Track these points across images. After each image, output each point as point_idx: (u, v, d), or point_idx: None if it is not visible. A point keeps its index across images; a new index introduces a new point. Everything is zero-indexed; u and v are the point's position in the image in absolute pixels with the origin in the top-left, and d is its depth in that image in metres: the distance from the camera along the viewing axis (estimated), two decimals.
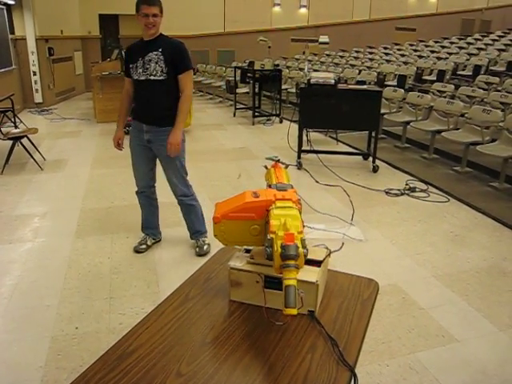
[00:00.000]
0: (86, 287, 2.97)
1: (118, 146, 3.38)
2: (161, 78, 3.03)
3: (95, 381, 1.10)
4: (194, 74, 9.89)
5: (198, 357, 1.18)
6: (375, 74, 9.41)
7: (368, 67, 10.96)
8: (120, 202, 4.46)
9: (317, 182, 4.99)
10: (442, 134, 5.76)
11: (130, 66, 3.09)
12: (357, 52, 14.18)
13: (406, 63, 11.10)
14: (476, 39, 14.79)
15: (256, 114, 8.73)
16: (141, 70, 3.04)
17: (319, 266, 1.37)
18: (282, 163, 1.64)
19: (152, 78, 3.03)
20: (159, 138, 3.14)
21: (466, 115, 5.85)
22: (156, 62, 3.00)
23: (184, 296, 1.44)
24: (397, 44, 15.39)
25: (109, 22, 13.28)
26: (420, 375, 2.23)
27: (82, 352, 2.38)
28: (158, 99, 3.10)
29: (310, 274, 1.32)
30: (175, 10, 13.26)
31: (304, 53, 6.88)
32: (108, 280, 3.05)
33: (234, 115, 9.49)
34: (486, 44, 13.36)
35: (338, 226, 3.65)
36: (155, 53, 3.01)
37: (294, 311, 1.07)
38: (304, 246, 1.15)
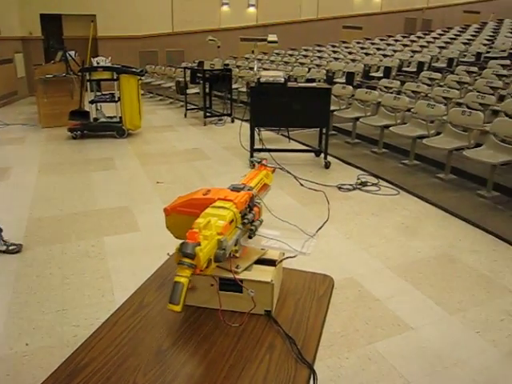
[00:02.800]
0: (36, 300, 2.85)
1: None
2: None
3: None
4: (142, 76, 9.71)
5: (155, 366, 1.15)
6: (324, 71, 9.58)
7: (317, 65, 11.13)
8: (70, 210, 4.31)
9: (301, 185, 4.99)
10: (390, 128, 5.93)
11: None
12: (306, 50, 14.37)
13: (353, 61, 11.36)
14: (418, 37, 15.35)
15: (207, 114, 8.68)
16: None
17: (274, 266, 1.36)
18: (270, 167, 1.61)
19: None
20: None
21: (411, 110, 6.04)
22: None
23: (138, 304, 1.40)
24: (344, 42, 15.72)
25: (51, 23, 12.84)
26: (378, 364, 2.29)
27: (34, 370, 2.28)
28: None
29: (264, 273, 1.31)
30: (122, 10, 13.00)
31: (253, 52, 6.88)
32: (60, 291, 2.94)
33: (185, 116, 9.40)
34: (427, 42, 13.88)
35: (294, 237, 3.66)
36: None
37: (177, 308, 1.06)
38: (222, 248, 1.12)
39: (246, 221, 1.30)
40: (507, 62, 9.37)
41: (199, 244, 1.07)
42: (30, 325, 2.61)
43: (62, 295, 2.89)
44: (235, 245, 1.27)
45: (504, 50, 11.26)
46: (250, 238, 1.32)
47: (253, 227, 1.31)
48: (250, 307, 1.31)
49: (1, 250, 3.40)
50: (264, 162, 1.60)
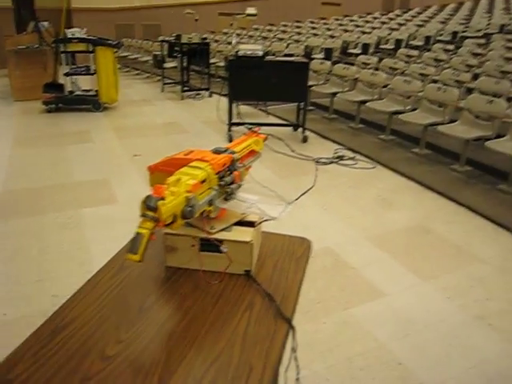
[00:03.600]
0: (14, 272, 2.83)
1: None
2: None
3: (29, 356, 1.07)
4: (119, 49, 9.50)
5: (137, 322, 1.17)
6: (302, 47, 9.54)
7: (295, 41, 11.07)
8: (46, 182, 4.25)
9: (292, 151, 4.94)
10: (367, 104, 5.98)
11: None
12: (284, 26, 14.25)
13: (332, 37, 11.32)
14: (397, 15, 15.35)
15: (185, 88, 8.58)
16: None
17: (253, 227, 1.39)
18: (261, 134, 1.59)
19: None
20: None
21: (388, 86, 6.09)
22: None
23: (119, 265, 1.41)
24: (323, 19, 15.62)
25: None
26: (354, 329, 2.36)
27: (13, 339, 2.23)
28: None
29: (244, 234, 1.34)
30: None
31: (232, 25, 6.80)
32: (37, 262, 2.93)
33: (163, 90, 9.27)
34: (405, 20, 13.91)
35: (271, 203, 3.70)
36: None
37: (136, 257, 1.10)
38: (189, 205, 1.15)
39: (222, 183, 1.31)
40: (482, 41, 9.49)
41: (163, 198, 1.11)
42: (7, 295, 2.60)
43: (40, 266, 2.88)
44: (210, 205, 1.29)
45: (479, 30, 11.38)
46: (225, 199, 1.34)
47: (228, 189, 1.32)
48: (231, 267, 1.34)
49: None
50: (256, 129, 1.58)
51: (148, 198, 1.11)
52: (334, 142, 5.70)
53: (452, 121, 5.12)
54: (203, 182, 1.25)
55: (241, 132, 5.75)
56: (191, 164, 1.30)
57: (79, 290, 1.31)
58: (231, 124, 5.74)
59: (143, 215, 1.12)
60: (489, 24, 12.04)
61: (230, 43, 10.21)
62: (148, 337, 1.12)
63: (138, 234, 1.11)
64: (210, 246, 1.32)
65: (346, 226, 3.52)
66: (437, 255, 3.15)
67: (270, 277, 1.38)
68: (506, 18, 12.77)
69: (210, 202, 1.29)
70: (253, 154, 1.52)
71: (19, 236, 3.27)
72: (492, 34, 10.59)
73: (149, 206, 1.11)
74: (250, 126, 1.63)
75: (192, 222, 1.38)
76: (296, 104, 6.15)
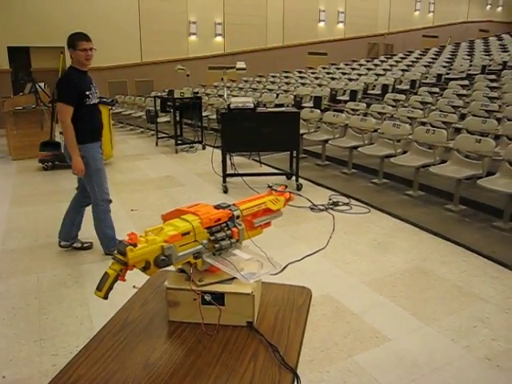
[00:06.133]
0: (13, 332, 2.80)
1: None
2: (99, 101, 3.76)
3: None
4: (114, 106, 9.73)
5: (142, 379, 1.18)
6: (292, 96, 9.81)
7: (285, 91, 11.40)
8: (44, 240, 4.26)
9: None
10: (359, 149, 6.11)
11: (88, 92, 3.51)
12: (273, 77, 14.70)
13: (320, 85, 11.69)
14: (382, 61, 15.91)
15: (178, 142, 8.75)
16: (95, 95, 3.60)
17: None
18: (280, 192, 1.57)
19: (97, 102, 3.68)
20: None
21: (378, 130, 6.25)
22: (97, 88, 3.68)
23: (122, 322, 1.42)
24: (310, 68, 16.15)
25: (19, 55, 12.78)
26: (359, 377, 2.33)
27: None
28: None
29: (245, 286, 1.36)
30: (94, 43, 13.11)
31: (223, 79, 7.03)
32: (37, 321, 2.90)
33: (157, 145, 9.44)
34: (390, 65, 14.41)
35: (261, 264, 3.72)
36: (93, 81, 3.65)
37: (100, 294, 1.21)
38: (164, 254, 1.23)
39: (213, 238, 1.35)
40: (466, 82, 9.82)
41: (135, 245, 1.19)
42: (6, 357, 2.56)
43: (40, 325, 2.85)
44: (196, 258, 1.33)
45: (463, 71, 11.80)
46: (213, 255, 1.37)
47: (217, 245, 1.35)
48: (233, 319, 1.36)
49: None
50: (280, 188, 1.58)
51: (120, 243, 1.20)
52: (328, 188, 5.78)
53: (443, 161, 5.23)
54: (186, 234, 1.29)
55: (236, 183, 5.84)
56: (182, 216, 1.34)
57: (84, 348, 1.32)
58: (226, 175, 5.83)
59: (114, 258, 1.21)
60: (471, 65, 12.48)
61: (221, 96, 10.50)
62: None
63: (105, 273, 1.21)
64: (213, 298, 1.35)
65: (344, 272, 3.53)
66: (437, 297, 3.15)
67: (272, 327, 1.39)
68: (487, 59, 13.26)
69: (196, 255, 1.33)
70: (269, 212, 1.51)
71: (17, 295, 3.24)
72: (475, 74, 10.97)
73: (118, 250, 1.20)
74: (271, 184, 1.63)
75: (189, 276, 1.40)
76: (289, 152, 6.28)
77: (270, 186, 1.60)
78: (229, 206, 1.42)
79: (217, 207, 1.41)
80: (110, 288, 1.22)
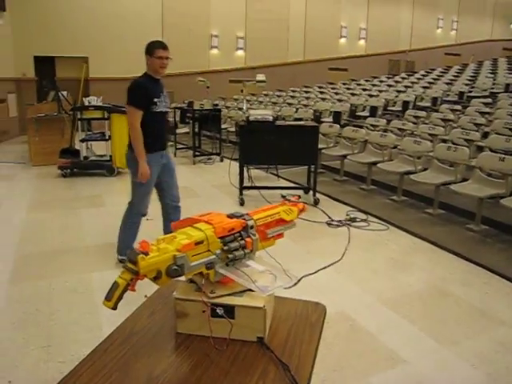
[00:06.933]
0: (21, 337, 2.77)
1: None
2: (169, 111, 3.83)
3: None
4: None
5: None
6: (311, 111, 9.78)
7: (304, 105, 11.36)
8: (59, 246, 4.26)
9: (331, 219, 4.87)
10: (378, 165, 6.02)
11: (156, 100, 3.52)
12: (293, 91, 14.71)
13: (340, 101, 11.62)
14: (403, 78, 15.81)
15: (197, 153, 8.75)
16: (164, 104, 3.61)
17: None
18: (295, 202, 1.51)
19: (168, 110, 3.78)
20: (169, 156, 3.93)
21: (398, 147, 6.16)
22: (167, 97, 3.71)
23: (128, 332, 1.37)
24: (331, 83, 16.12)
25: (44, 64, 13.04)
26: None
27: None
28: (167, 127, 3.86)
29: (256, 299, 1.30)
30: (114, 53, 13.31)
31: (242, 91, 7.03)
32: (46, 327, 2.87)
33: (175, 155, 9.46)
34: (411, 82, 14.29)
35: (276, 276, 3.64)
36: (164, 89, 3.68)
37: (109, 304, 1.15)
38: (176, 264, 1.18)
39: (226, 248, 1.30)
40: (489, 100, 9.66)
41: (146, 253, 1.14)
42: (12, 362, 2.53)
43: (49, 331, 2.82)
44: (208, 268, 1.27)
45: (485, 90, 11.63)
46: (227, 265, 1.31)
47: (231, 255, 1.30)
48: (243, 334, 1.29)
49: None
50: (293, 198, 1.53)
51: (131, 252, 1.15)
52: (346, 203, 5.69)
53: (464, 179, 5.11)
54: (199, 243, 1.24)
55: (253, 196, 5.79)
56: (195, 225, 1.29)
57: (88, 357, 1.27)
58: (243, 188, 5.79)
59: (124, 266, 1.15)
60: (494, 84, 12.30)
61: (240, 109, 10.52)
62: None
63: (115, 282, 1.15)
64: (223, 311, 1.29)
65: (361, 290, 3.43)
66: (456, 319, 3.03)
67: (283, 344, 1.33)
68: (510, 77, 13.05)
69: (209, 266, 1.27)
70: (282, 222, 1.46)
71: (29, 300, 3.23)
72: (498, 93, 10.79)
73: (129, 259, 1.15)
74: (285, 195, 1.60)
75: (200, 287, 1.35)
76: (307, 167, 6.22)
77: (283, 196, 1.55)
78: (242, 215, 1.36)
79: (230, 216, 1.36)
80: (120, 298, 1.16)
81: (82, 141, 7.55)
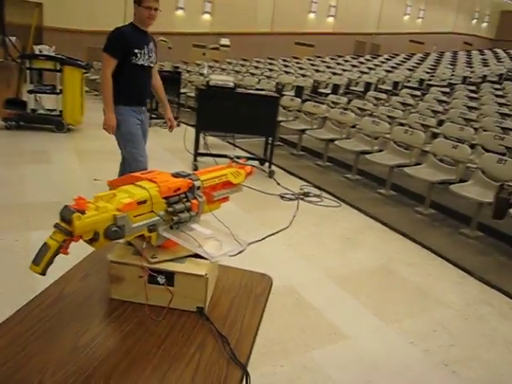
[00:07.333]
0: None
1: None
2: (152, 66, 3.56)
3: None
4: (88, 71, 9.34)
5: (67, 364, 1.01)
6: (274, 83, 9.63)
7: (267, 77, 11.20)
8: (3, 200, 4.00)
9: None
10: (335, 142, 6.01)
11: (137, 51, 3.34)
12: (257, 62, 14.47)
13: (303, 75, 11.53)
14: (367, 60, 15.89)
15: (153, 116, 8.45)
16: (146, 57, 3.41)
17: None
18: (242, 164, 1.46)
19: (151, 65, 3.51)
20: (146, 116, 3.74)
21: (357, 126, 6.16)
22: (154, 52, 3.51)
23: (56, 294, 1.26)
24: (296, 58, 15.97)
25: None
26: (314, 373, 2.22)
27: None
28: (150, 84, 3.62)
29: (198, 266, 1.21)
30: (73, 2, 12.54)
31: (204, 54, 6.80)
32: None
33: None
34: (375, 65, 14.39)
35: (224, 241, 3.57)
36: (151, 43, 3.49)
37: (37, 269, 1.03)
38: (117, 225, 1.06)
39: (170, 209, 1.19)
40: (447, 90, 9.86)
41: (83, 212, 1.01)
42: None
43: None
44: (150, 231, 1.17)
45: (444, 80, 11.87)
46: (171, 228, 1.21)
47: (175, 217, 1.19)
48: (182, 303, 1.20)
49: None
50: (241, 160, 1.48)
51: (64, 209, 1.01)
52: (301, 178, 5.66)
53: (417, 163, 5.18)
54: (142, 202, 1.12)
55: (207, 163, 5.64)
56: (138, 182, 1.17)
57: (5, 322, 1.14)
58: (197, 154, 5.64)
59: (55, 226, 1.01)
60: (452, 75, 12.58)
61: (202, 74, 10.22)
62: (78, 382, 0.96)
63: (45, 244, 1.02)
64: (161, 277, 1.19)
65: (309, 264, 3.42)
66: (400, 298, 3.07)
67: (224, 315, 1.24)
68: (468, 70, 13.40)
69: (151, 228, 1.16)
70: (229, 185, 1.39)
71: None
72: (455, 84, 11.05)
73: (63, 218, 1.01)
74: (232, 157, 1.51)
75: (139, 250, 1.24)
76: (264, 138, 6.12)
77: (231, 158, 1.45)
78: (189, 175, 1.25)
79: (175, 175, 1.24)
80: (50, 262, 1.03)
81: (30, 92, 7.08)
